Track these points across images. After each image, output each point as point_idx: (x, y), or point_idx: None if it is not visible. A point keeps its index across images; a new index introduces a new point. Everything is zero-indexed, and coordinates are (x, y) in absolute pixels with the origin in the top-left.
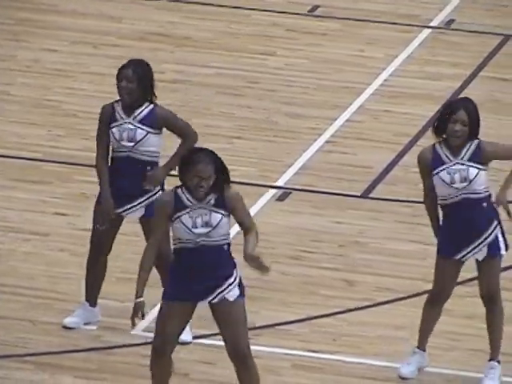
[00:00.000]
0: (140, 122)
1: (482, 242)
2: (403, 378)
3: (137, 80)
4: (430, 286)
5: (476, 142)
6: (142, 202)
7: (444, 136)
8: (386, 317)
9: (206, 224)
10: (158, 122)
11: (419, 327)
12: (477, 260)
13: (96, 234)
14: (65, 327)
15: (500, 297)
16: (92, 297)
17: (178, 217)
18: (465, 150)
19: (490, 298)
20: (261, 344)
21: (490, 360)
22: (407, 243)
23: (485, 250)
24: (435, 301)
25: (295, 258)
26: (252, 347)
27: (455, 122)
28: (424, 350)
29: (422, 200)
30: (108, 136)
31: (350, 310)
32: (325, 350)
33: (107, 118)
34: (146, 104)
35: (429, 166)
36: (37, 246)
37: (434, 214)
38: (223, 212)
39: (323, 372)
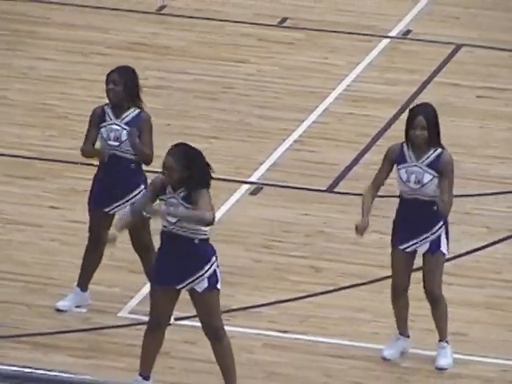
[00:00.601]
0: (126, 123)
1: (424, 238)
2: (385, 359)
3: (123, 83)
4: (388, 273)
5: (439, 151)
6: (129, 199)
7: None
8: (349, 300)
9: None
10: (143, 124)
11: (394, 316)
12: (422, 255)
13: (93, 227)
14: (57, 310)
15: (441, 292)
16: (84, 282)
17: (159, 199)
18: (426, 156)
19: (432, 295)
20: (235, 325)
21: (440, 341)
22: (368, 233)
23: (426, 246)
24: (396, 290)
25: (266, 247)
26: (227, 328)
27: (415, 128)
28: (407, 336)
29: (381, 194)
30: (95, 135)
31: (316, 294)
32: (293, 331)
33: (97, 119)
34: (134, 108)
35: (392, 159)
36: (31, 236)
37: (367, 198)
38: (190, 207)
39: (292, 351)
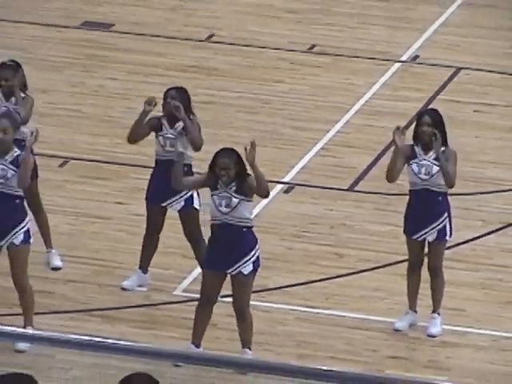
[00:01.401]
0: (179, 133)
1: (433, 227)
2: (396, 330)
3: (179, 99)
4: (399, 258)
5: (443, 148)
6: (182, 196)
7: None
8: (367, 281)
9: (228, 205)
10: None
11: (407, 292)
12: (429, 242)
13: (150, 218)
14: (123, 289)
15: (442, 269)
16: (145, 265)
17: (212, 195)
18: (432, 151)
19: (434, 270)
20: (271, 302)
21: (433, 312)
22: (383, 225)
23: (435, 234)
24: (412, 267)
25: (297, 237)
26: (265, 304)
27: (422, 125)
28: (415, 311)
29: (394, 193)
30: (145, 130)
31: (339, 276)
32: (319, 307)
33: (153, 127)
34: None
35: (405, 155)
36: (101, 227)
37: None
38: (242, 197)
39: (318, 323)
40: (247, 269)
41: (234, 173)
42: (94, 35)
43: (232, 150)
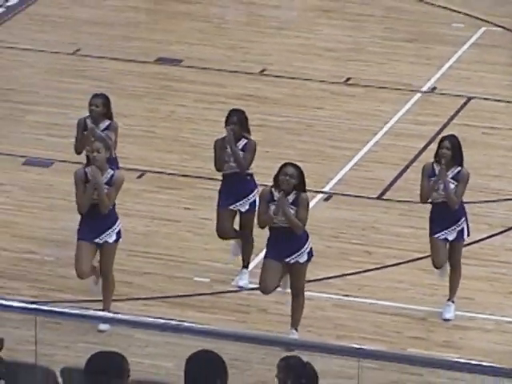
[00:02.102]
0: (241, 149)
1: (452, 229)
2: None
3: (238, 122)
4: (419, 255)
5: (459, 169)
6: (249, 199)
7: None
8: (392, 275)
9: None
10: (248, 148)
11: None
12: (451, 241)
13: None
14: (239, 287)
15: (460, 263)
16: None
17: (269, 206)
18: (450, 171)
19: (453, 265)
20: (313, 291)
21: (448, 300)
22: (406, 228)
23: (454, 234)
24: (435, 266)
25: (335, 237)
26: (307, 293)
27: (442, 148)
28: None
29: (415, 201)
30: (223, 157)
31: (369, 270)
32: (353, 295)
33: (219, 148)
34: (244, 139)
35: (427, 174)
36: (172, 228)
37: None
38: (296, 209)
39: (351, 309)
40: (303, 258)
41: (294, 183)
42: (167, 69)
43: (298, 165)
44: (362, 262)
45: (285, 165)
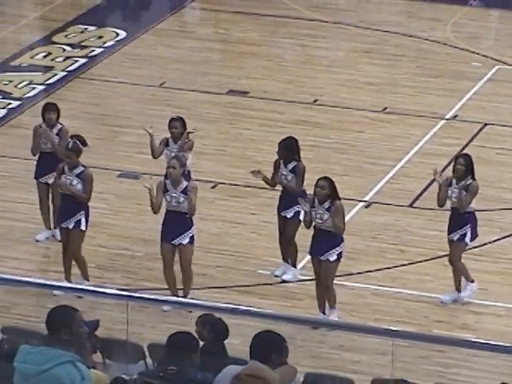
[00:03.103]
0: (290, 171)
1: (456, 232)
2: (442, 302)
3: (284, 147)
4: (442, 253)
5: (470, 181)
6: (294, 207)
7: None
8: (420, 269)
9: (321, 218)
10: (297, 170)
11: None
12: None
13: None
14: (283, 281)
15: (456, 260)
16: (286, 259)
17: (311, 211)
18: (462, 182)
19: (451, 261)
20: (355, 282)
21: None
22: (432, 231)
23: (457, 236)
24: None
25: (373, 238)
26: (350, 284)
27: (457, 164)
28: (458, 291)
29: (439, 209)
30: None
31: (402, 266)
32: (388, 285)
33: (276, 167)
34: (293, 162)
35: (444, 184)
36: (239, 230)
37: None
38: (331, 215)
39: (386, 297)
40: (332, 257)
41: (326, 193)
42: (236, 99)
43: (330, 179)
44: (396, 259)
45: (319, 179)
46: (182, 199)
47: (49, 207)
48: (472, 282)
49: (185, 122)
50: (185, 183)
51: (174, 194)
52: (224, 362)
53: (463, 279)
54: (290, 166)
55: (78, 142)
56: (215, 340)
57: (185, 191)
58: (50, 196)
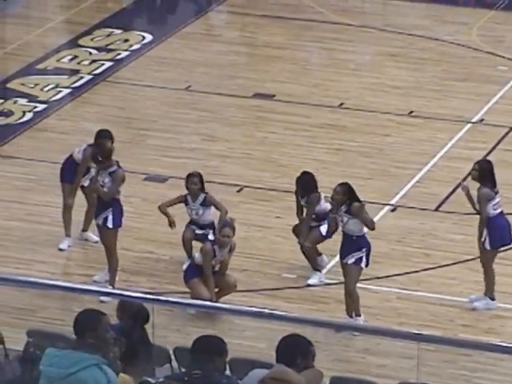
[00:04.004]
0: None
1: (481, 237)
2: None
3: (301, 186)
4: (469, 257)
5: (481, 187)
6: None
7: None
8: (445, 273)
9: (342, 221)
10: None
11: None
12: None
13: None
14: (308, 285)
15: (486, 264)
16: (313, 266)
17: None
18: (480, 186)
19: (483, 266)
20: (380, 285)
21: (484, 294)
22: (458, 235)
23: (481, 241)
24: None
25: (398, 241)
26: (375, 287)
27: (474, 170)
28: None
29: (466, 212)
30: None
31: (427, 269)
32: (413, 289)
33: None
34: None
35: (467, 191)
36: (265, 233)
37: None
38: (350, 217)
39: (411, 300)
40: (350, 261)
41: (341, 199)
42: (261, 103)
43: (345, 184)
44: (421, 263)
45: (337, 185)
46: (201, 212)
47: (71, 213)
48: (493, 299)
49: (202, 178)
50: (203, 195)
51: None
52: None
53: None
54: (304, 199)
55: (97, 151)
56: (135, 325)
57: (203, 203)
58: (85, 198)
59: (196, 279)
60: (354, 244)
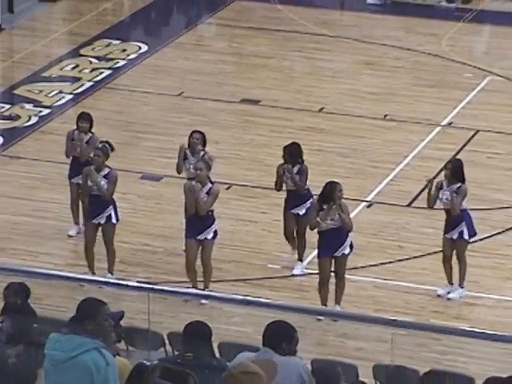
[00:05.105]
0: (296, 173)
1: (453, 231)
2: (438, 296)
3: (288, 154)
4: (438, 249)
5: (459, 184)
6: (305, 205)
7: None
8: (417, 264)
9: (332, 219)
10: (301, 172)
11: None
12: (451, 239)
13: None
14: (293, 275)
15: (463, 257)
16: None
17: (319, 216)
18: (452, 185)
19: (458, 258)
20: (358, 275)
21: (459, 285)
22: (429, 228)
23: (456, 234)
24: (444, 258)
25: (375, 235)
26: (354, 277)
27: (446, 168)
28: (451, 284)
29: (435, 208)
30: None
31: (401, 260)
32: (388, 279)
33: (278, 173)
34: (298, 165)
35: (437, 188)
36: (251, 227)
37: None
38: (340, 212)
39: (386, 289)
40: (347, 251)
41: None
42: (248, 107)
43: (337, 183)
44: (395, 254)
45: (328, 184)
46: (205, 199)
47: (78, 205)
48: (462, 287)
49: (205, 137)
50: (209, 185)
51: (201, 196)
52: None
53: (456, 279)
54: (295, 168)
55: (107, 146)
56: (23, 302)
57: (208, 192)
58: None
59: None
60: (345, 237)
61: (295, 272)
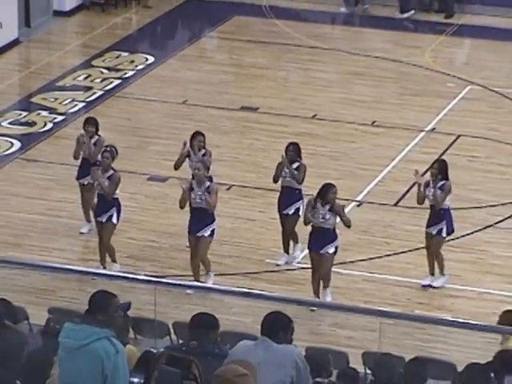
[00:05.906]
0: (295, 169)
1: (434, 227)
2: (423, 286)
3: (294, 150)
4: (423, 245)
5: (443, 182)
6: (295, 205)
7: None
8: (403, 258)
9: (323, 217)
10: (300, 169)
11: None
12: (431, 234)
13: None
14: (277, 265)
15: (438, 251)
16: (285, 250)
17: (312, 213)
18: (437, 183)
19: (433, 253)
20: (349, 269)
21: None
22: (414, 226)
23: (435, 231)
24: (427, 250)
25: (364, 232)
26: (345, 271)
27: (432, 168)
28: (433, 274)
29: (420, 207)
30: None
31: (388, 255)
32: (376, 272)
33: (278, 168)
34: (297, 162)
35: (424, 186)
36: (250, 225)
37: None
38: (332, 214)
39: (376, 282)
40: (330, 250)
41: (333, 197)
42: (247, 114)
43: (333, 185)
44: (383, 250)
45: (324, 185)
46: (204, 197)
47: (88, 204)
48: (443, 275)
49: (205, 137)
50: (207, 183)
51: (199, 193)
52: None
53: (437, 270)
54: (294, 165)
55: (114, 149)
56: None
57: (207, 190)
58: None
59: None
60: (331, 236)
61: (280, 263)
